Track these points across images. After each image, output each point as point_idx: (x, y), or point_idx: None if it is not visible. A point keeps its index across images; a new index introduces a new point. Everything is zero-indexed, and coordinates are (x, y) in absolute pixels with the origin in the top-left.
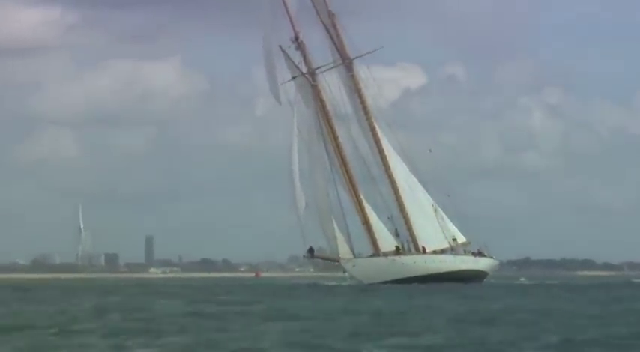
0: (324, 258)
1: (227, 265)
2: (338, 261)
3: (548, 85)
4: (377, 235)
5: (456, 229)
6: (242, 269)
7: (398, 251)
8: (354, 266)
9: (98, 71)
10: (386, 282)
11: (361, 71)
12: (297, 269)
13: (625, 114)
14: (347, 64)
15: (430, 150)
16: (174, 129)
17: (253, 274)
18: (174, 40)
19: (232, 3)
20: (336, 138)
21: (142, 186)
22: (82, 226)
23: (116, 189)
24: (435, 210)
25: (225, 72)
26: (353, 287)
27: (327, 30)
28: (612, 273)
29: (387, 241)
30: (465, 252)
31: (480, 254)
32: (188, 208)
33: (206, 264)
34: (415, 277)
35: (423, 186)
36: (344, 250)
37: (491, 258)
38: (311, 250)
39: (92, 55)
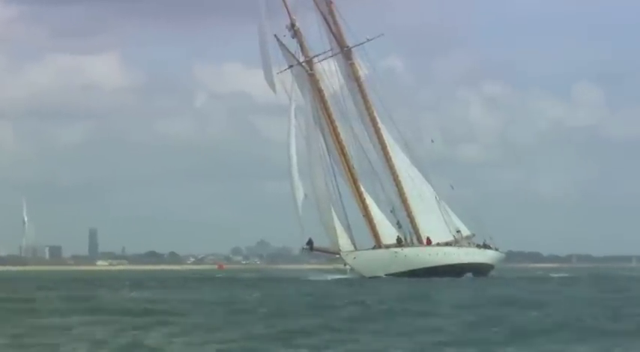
0: (323, 251)
1: (174, 257)
2: (338, 254)
3: (487, 78)
4: (378, 227)
5: (459, 221)
6: (189, 261)
7: (400, 242)
8: (354, 258)
9: (38, 65)
10: (388, 275)
11: (360, 59)
12: (243, 262)
13: (563, 107)
14: (345, 52)
15: (432, 141)
16: (114, 122)
17: (215, 266)
18: (114, 34)
19: None
20: (334, 128)
21: (83, 179)
22: (25, 218)
23: (57, 182)
24: (438, 202)
25: (164, 65)
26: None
27: (324, 17)
28: (562, 265)
29: (388, 233)
30: (469, 244)
31: (485, 246)
32: (130, 201)
33: (153, 257)
34: (418, 270)
35: (425, 177)
36: (344, 242)
37: (497, 250)
38: (310, 242)
39: (32, 49)
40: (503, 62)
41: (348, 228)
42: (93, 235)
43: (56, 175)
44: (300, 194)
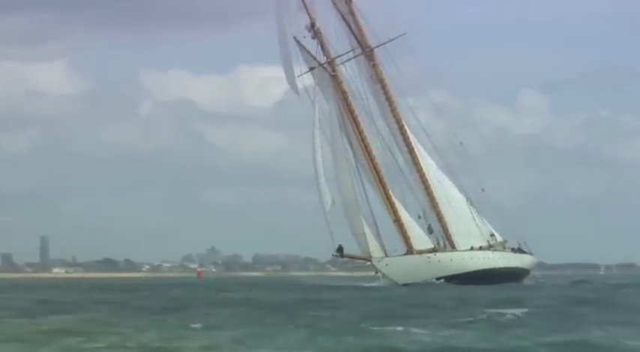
0: (354, 257)
1: (130, 265)
2: (369, 260)
3: (433, 86)
4: (409, 233)
5: (491, 226)
6: (144, 269)
7: (435, 249)
8: (386, 265)
9: None
10: (422, 282)
11: (383, 60)
12: (199, 269)
13: (508, 115)
14: (367, 53)
15: (461, 143)
16: (59, 129)
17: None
18: (60, 42)
19: (119, 4)
20: (360, 132)
21: (29, 187)
22: None
23: (3, 189)
24: (469, 206)
25: (110, 73)
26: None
27: (344, 18)
28: None
29: (419, 239)
30: (504, 248)
31: (520, 250)
32: (77, 209)
33: (108, 264)
34: (453, 275)
35: (454, 180)
36: (374, 249)
37: (532, 254)
38: (340, 249)
39: None
40: (448, 70)
41: (377, 235)
42: (44, 242)
43: (1, 183)
44: (327, 199)
